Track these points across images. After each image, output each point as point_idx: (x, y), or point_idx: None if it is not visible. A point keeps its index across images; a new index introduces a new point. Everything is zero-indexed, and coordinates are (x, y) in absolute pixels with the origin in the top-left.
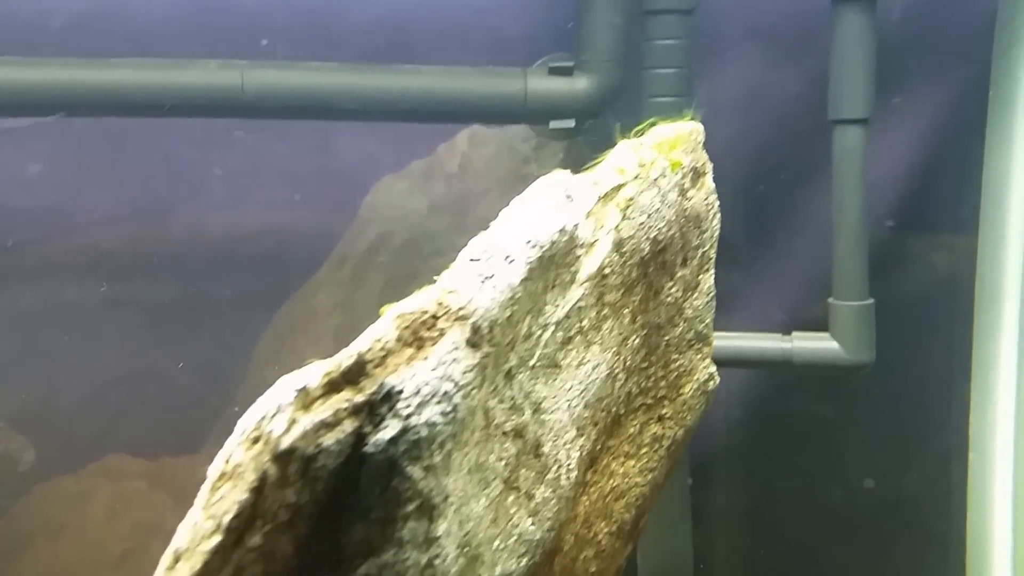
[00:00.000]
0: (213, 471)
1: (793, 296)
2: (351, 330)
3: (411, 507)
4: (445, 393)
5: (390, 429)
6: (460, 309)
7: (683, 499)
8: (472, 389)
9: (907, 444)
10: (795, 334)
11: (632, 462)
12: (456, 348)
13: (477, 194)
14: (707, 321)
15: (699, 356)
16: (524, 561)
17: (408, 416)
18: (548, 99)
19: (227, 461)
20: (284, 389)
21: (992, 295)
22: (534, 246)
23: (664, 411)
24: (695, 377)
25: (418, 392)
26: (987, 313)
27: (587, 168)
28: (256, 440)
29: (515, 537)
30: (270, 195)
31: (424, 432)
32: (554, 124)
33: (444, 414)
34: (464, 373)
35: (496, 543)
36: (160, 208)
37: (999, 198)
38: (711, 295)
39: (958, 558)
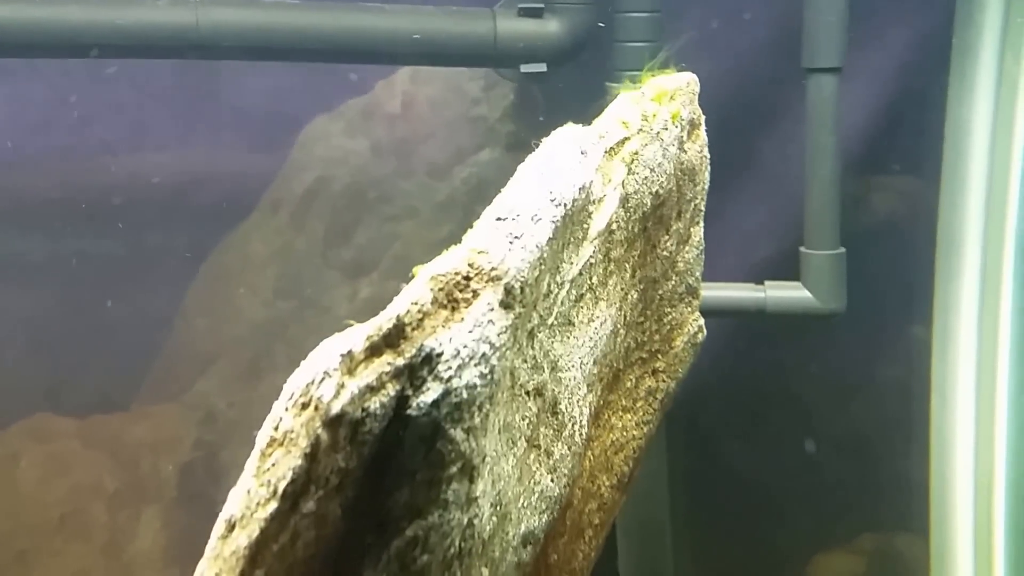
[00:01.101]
0: (262, 438)
1: (763, 245)
2: (294, 279)
3: (454, 469)
4: (483, 355)
5: (432, 392)
6: (492, 270)
7: (659, 444)
8: (506, 351)
9: (872, 387)
10: (767, 283)
11: (629, 416)
12: (491, 310)
13: (423, 136)
14: (697, 274)
15: (689, 309)
16: (545, 518)
17: (449, 379)
18: (519, 42)
19: (276, 427)
20: (328, 354)
21: (953, 239)
22: (558, 205)
23: (658, 364)
24: (685, 330)
25: (457, 355)
26: (948, 257)
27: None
28: (305, 406)
29: (537, 494)
30: (193, 137)
31: (465, 395)
32: (525, 68)
33: (482, 376)
34: (499, 335)
35: (521, 500)
36: (77, 152)
37: (961, 143)
38: (701, 248)
39: (921, 499)
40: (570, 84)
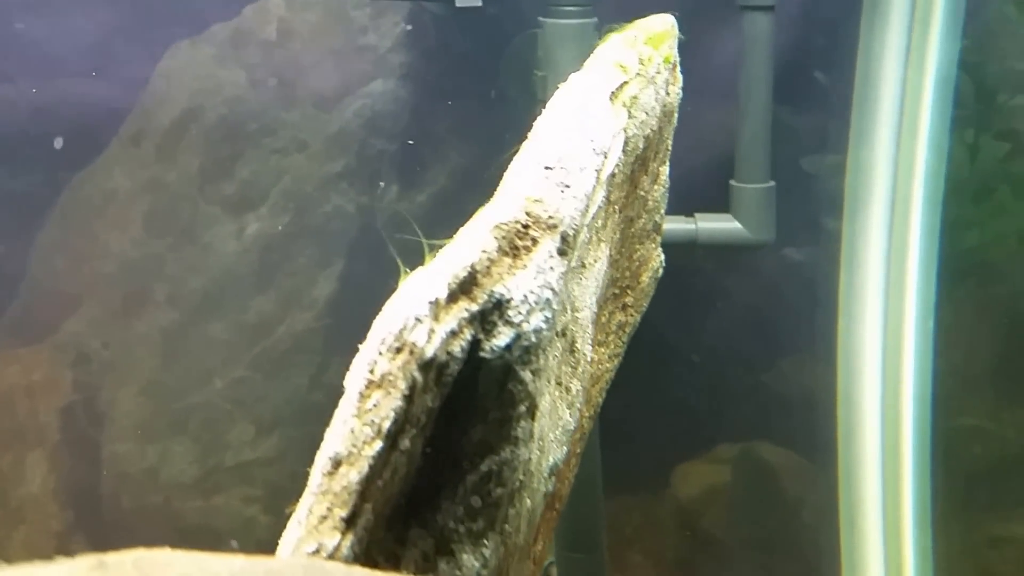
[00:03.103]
0: (358, 381)
1: (692, 178)
2: (167, 215)
3: (523, 408)
4: (547, 300)
5: (504, 336)
6: (550, 218)
7: None
8: (562, 295)
9: (788, 317)
10: (698, 215)
11: (603, 349)
12: (551, 256)
13: (307, 66)
14: (662, 211)
15: (653, 246)
16: (565, 449)
17: (519, 323)
18: None
19: (372, 371)
20: (416, 301)
21: (861, 169)
22: (599, 154)
23: (627, 299)
24: (650, 265)
25: (525, 300)
26: (856, 187)
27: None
28: (399, 350)
29: (560, 428)
30: (36, 64)
31: (533, 339)
32: (461, 3)
33: (547, 320)
34: (558, 280)
35: (550, 435)
36: None
37: (872, 77)
38: (667, 186)
39: (830, 415)
40: (471, 16)
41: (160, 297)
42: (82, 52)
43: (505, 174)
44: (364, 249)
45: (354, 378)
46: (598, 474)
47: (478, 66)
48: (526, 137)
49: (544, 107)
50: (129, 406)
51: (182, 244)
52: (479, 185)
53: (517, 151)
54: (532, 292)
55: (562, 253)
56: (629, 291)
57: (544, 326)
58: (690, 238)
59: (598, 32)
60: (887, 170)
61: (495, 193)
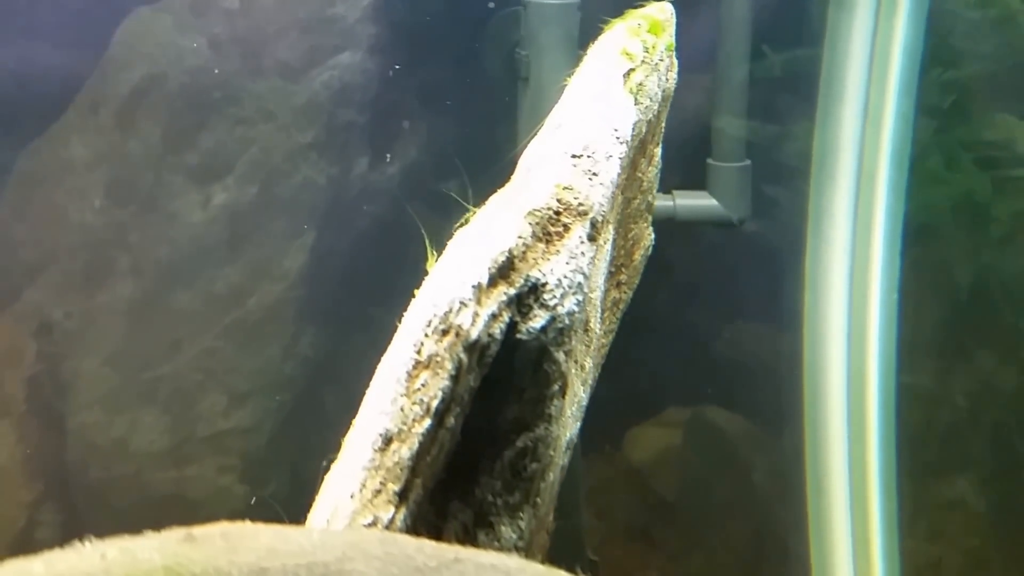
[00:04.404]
0: (405, 361)
1: (668, 157)
2: (129, 184)
3: (556, 387)
4: (579, 284)
5: (540, 319)
6: (580, 205)
7: None
8: (590, 279)
9: (740, 286)
10: (675, 192)
11: (600, 326)
12: (582, 242)
13: (272, 35)
14: (655, 191)
15: (645, 224)
16: (578, 425)
17: (554, 307)
18: None
19: (419, 352)
20: (460, 285)
21: (828, 148)
22: (622, 142)
23: (622, 277)
24: (642, 244)
25: (560, 284)
26: (823, 166)
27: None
28: (446, 332)
29: (576, 404)
30: None
31: (567, 321)
32: None
33: (579, 303)
34: (588, 265)
35: (566, 412)
36: None
37: (839, 57)
38: (659, 167)
39: (796, 386)
40: None
41: (124, 267)
42: (38, 16)
43: (522, 159)
44: (335, 220)
45: (398, 358)
46: (577, 440)
47: (447, 39)
48: (504, 112)
49: (528, 85)
50: (95, 376)
51: (145, 214)
52: (449, 157)
53: (514, 133)
54: (565, 276)
55: (591, 239)
56: (623, 269)
57: (576, 309)
58: (668, 215)
59: (580, 13)
60: (854, 144)
61: (512, 177)
